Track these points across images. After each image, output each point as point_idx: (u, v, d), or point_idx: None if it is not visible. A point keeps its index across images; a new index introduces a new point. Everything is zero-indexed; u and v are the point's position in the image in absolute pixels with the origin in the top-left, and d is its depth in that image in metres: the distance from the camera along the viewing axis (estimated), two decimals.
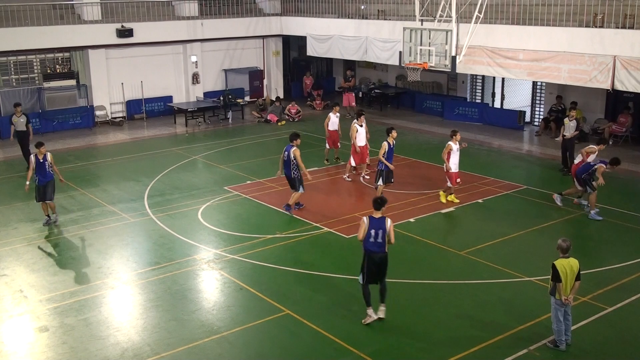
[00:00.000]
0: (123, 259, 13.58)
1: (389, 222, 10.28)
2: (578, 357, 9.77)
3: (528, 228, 14.72)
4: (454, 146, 15.95)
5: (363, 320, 10.57)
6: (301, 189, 15.47)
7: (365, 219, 10.34)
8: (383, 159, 15.96)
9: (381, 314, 10.64)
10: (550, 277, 9.67)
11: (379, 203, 10.32)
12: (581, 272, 9.69)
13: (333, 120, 19.89)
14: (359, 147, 18.11)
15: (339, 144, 20.15)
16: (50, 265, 13.22)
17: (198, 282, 12.48)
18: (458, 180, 16.25)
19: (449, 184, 16.26)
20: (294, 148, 15.22)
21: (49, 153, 15.33)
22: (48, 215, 15.47)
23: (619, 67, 17.76)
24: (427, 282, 12.25)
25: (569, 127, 18.45)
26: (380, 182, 16.17)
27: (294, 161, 15.19)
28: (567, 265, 9.52)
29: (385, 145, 16.04)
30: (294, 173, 15.30)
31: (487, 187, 17.44)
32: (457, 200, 16.30)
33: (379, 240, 10.26)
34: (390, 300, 11.47)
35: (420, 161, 20.16)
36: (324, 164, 20.04)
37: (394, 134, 16.25)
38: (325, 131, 20.16)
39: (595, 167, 14.99)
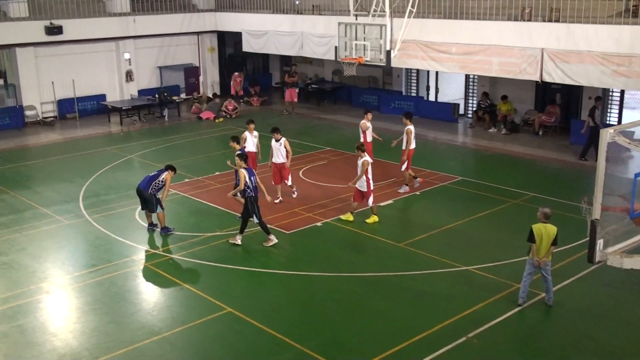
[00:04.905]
0: (58, 262, 13.25)
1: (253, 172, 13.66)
2: (514, 342, 10.09)
3: (465, 218, 15.04)
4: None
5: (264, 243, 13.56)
6: (159, 208, 14.21)
7: (244, 171, 13.25)
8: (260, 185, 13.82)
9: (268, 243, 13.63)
10: (526, 238, 10.74)
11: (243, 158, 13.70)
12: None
13: (250, 141, 16.32)
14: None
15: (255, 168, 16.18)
16: None
17: (137, 283, 12.29)
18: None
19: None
20: (167, 173, 14.20)
21: None
22: None
23: (546, 60, 18.30)
24: (366, 274, 12.39)
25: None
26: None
27: (161, 183, 14.12)
28: (544, 229, 10.50)
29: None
30: (152, 190, 14.04)
31: (423, 179, 17.69)
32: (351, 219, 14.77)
33: (254, 185, 13.37)
34: (329, 294, 11.62)
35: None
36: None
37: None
38: None
39: None
